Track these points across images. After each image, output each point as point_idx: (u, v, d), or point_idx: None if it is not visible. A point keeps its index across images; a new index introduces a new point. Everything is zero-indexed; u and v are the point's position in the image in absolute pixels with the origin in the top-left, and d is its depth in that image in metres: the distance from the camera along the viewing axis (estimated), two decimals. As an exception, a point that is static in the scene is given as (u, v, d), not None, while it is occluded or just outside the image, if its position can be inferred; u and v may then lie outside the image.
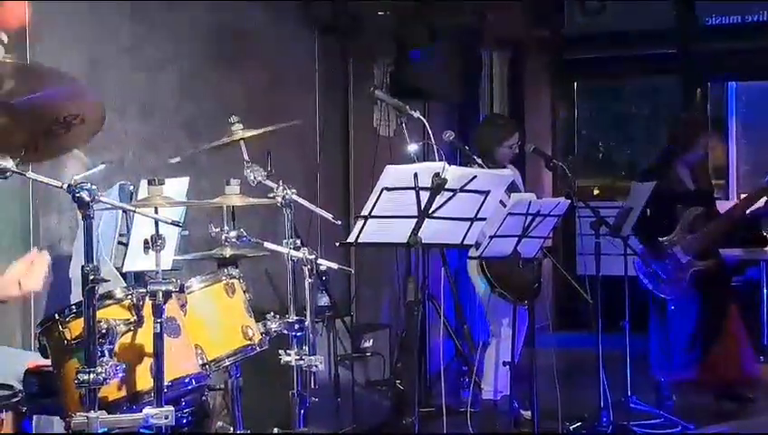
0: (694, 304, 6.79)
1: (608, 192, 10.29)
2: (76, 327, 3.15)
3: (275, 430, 4.28)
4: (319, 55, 7.21)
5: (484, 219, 4.42)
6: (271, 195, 4.07)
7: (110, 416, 3.00)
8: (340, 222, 4.45)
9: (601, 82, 11.51)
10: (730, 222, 6.83)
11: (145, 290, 3.18)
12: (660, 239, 6.69)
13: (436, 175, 4.07)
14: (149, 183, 3.56)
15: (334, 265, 4.36)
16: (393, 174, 4.13)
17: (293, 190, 4.05)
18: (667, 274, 6.66)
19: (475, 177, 4.23)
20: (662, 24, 10.14)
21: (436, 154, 5.24)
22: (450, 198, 4.17)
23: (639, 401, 6.26)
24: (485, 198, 4.32)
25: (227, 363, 3.82)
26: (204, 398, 4.54)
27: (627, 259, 6.36)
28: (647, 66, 10.69)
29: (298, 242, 4.05)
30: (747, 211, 6.93)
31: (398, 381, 6.21)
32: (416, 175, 4.09)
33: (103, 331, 3.04)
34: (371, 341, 6.51)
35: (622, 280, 6.34)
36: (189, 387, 3.44)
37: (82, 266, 2.90)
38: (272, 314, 4.02)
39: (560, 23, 10.65)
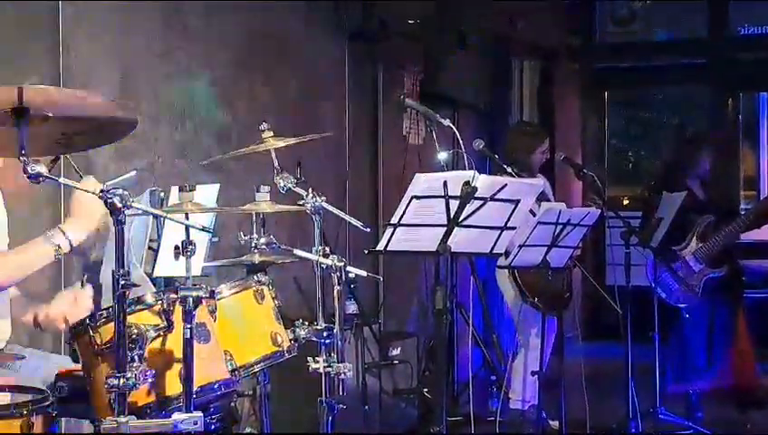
0: (707, 313, 6.80)
1: (637, 202, 10.25)
2: (107, 332, 3.16)
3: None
4: (349, 63, 7.22)
5: (513, 228, 4.41)
6: (300, 202, 4.07)
7: (140, 421, 3.01)
8: (369, 229, 4.44)
9: (632, 91, 11.47)
10: (740, 231, 6.83)
11: (175, 295, 3.19)
12: (673, 248, 6.71)
13: (466, 183, 4.06)
14: (180, 189, 3.57)
15: (363, 273, 4.35)
16: (423, 182, 4.12)
17: (323, 197, 4.05)
18: (680, 282, 6.66)
19: (506, 185, 4.21)
20: (694, 33, 10.11)
21: (465, 162, 5.23)
22: (480, 207, 4.16)
23: (668, 412, 6.23)
24: (515, 207, 4.30)
25: (256, 370, 3.81)
26: (232, 404, 4.56)
27: (657, 270, 6.36)
28: (678, 76, 10.65)
29: (327, 249, 4.04)
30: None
31: (425, 390, 6.20)
32: (445, 183, 4.09)
33: (134, 336, 3.04)
34: (399, 349, 6.50)
35: (652, 291, 6.33)
36: (218, 393, 3.44)
37: (113, 272, 2.91)
38: (300, 320, 4.02)
39: (590, 31, 10.63)
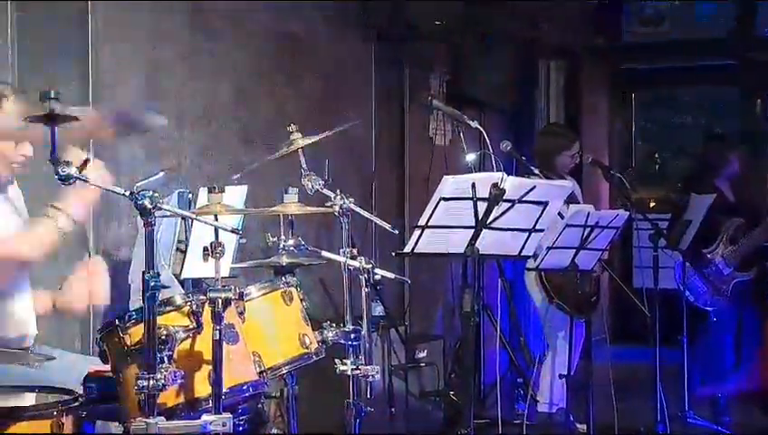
0: (735, 316, 6.78)
1: (664, 204, 10.19)
2: (136, 333, 3.17)
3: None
4: (375, 64, 7.21)
5: (542, 230, 4.39)
6: (328, 204, 4.06)
7: (169, 422, 3.01)
8: (397, 231, 4.43)
9: (659, 92, 11.41)
10: None
11: (204, 297, 3.19)
12: (702, 251, 6.68)
13: (495, 185, 4.04)
14: (210, 191, 3.57)
15: (391, 275, 4.34)
16: (451, 184, 4.11)
17: (351, 199, 4.05)
18: (709, 285, 6.62)
19: (534, 187, 4.19)
20: (722, 34, 10.04)
21: (493, 164, 5.21)
22: (508, 209, 4.14)
23: (696, 415, 6.19)
24: (544, 209, 4.28)
25: (284, 371, 3.81)
26: (260, 405, 4.55)
27: (685, 272, 6.33)
28: (705, 77, 10.60)
29: (354, 251, 4.03)
30: None
31: (452, 392, 6.19)
32: (474, 185, 4.07)
33: (163, 337, 3.05)
34: (425, 351, 6.49)
35: (680, 293, 6.30)
36: (247, 394, 3.44)
37: (143, 273, 2.91)
38: (328, 322, 4.01)
39: (617, 32, 10.58)
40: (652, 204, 10.45)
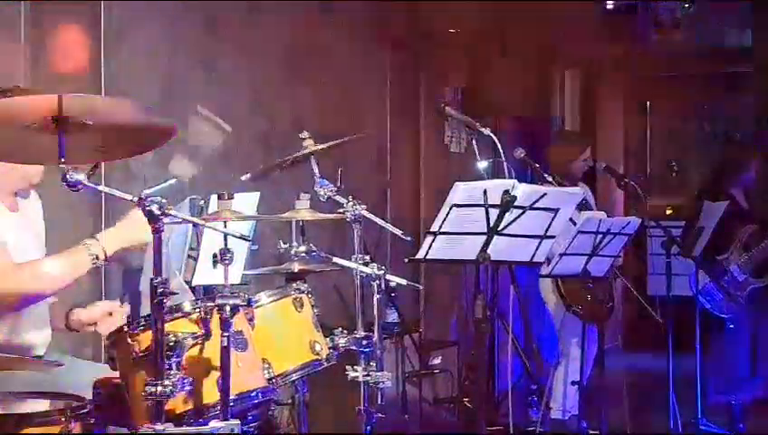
0: (750, 323, 6.76)
1: (680, 211, 10.15)
2: (145, 340, 3.17)
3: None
4: (391, 71, 7.22)
5: (553, 237, 4.39)
6: (341, 210, 4.06)
7: (177, 429, 3.01)
8: (410, 238, 4.43)
9: (675, 99, 11.37)
10: None
11: (213, 303, 3.19)
12: (717, 258, 6.66)
13: (506, 192, 4.05)
14: (219, 197, 3.58)
15: (403, 282, 4.34)
16: (463, 191, 4.11)
17: (363, 205, 4.04)
18: (724, 292, 6.60)
19: (545, 194, 4.20)
20: (738, 41, 10.01)
21: (506, 171, 5.21)
22: (519, 216, 4.14)
23: (710, 423, 6.16)
24: (555, 216, 4.28)
25: (294, 378, 3.81)
26: (270, 412, 4.55)
27: (700, 280, 6.32)
28: (721, 84, 10.56)
29: (367, 258, 4.03)
30: None
31: (465, 399, 6.18)
32: (485, 192, 4.07)
33: (171, 344, 3.05)
34: (439, 358, 6.48)
35: (694, 301, 6.28)
36: (256, 401, 3.44)
37: (152, 279, 2.92)
38: (339, 329, 4.01)
39: (633, 40, 10.56)
40: (668, 211, 10.40)
